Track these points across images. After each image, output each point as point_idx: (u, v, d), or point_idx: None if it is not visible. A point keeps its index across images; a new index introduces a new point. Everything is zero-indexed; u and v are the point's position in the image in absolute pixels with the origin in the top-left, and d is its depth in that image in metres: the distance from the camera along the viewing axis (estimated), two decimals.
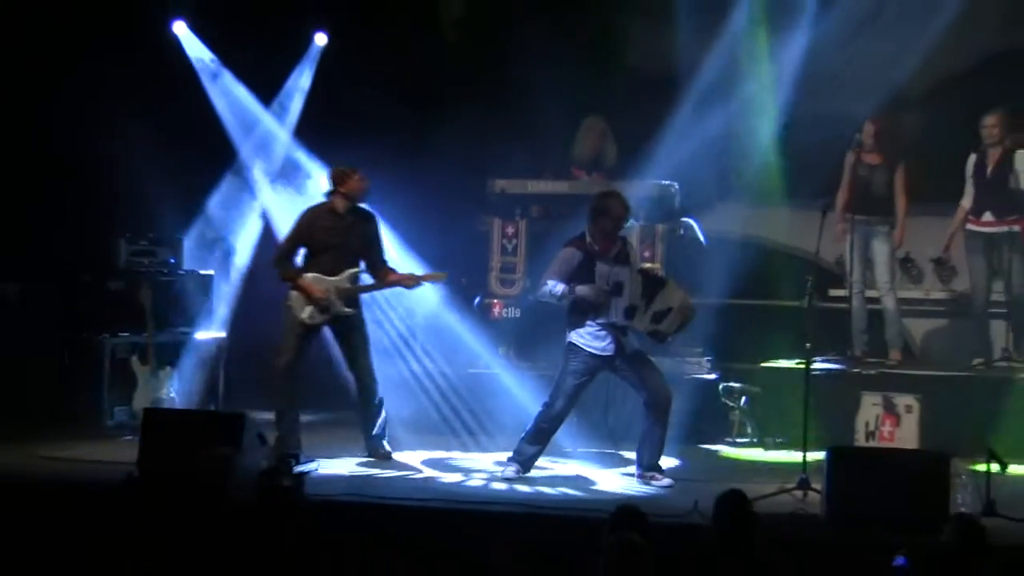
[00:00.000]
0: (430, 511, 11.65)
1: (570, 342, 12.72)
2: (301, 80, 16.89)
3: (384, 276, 13.56)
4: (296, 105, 16.87)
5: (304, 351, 13.55)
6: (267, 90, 16.78)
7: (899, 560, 8.35)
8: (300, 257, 13.51)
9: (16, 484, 12.07)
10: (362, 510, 11.47)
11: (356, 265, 13.49)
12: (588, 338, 12.64)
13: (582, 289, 12.50)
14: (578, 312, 12.64)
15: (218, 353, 15.50)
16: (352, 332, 13.56)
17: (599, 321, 12.58)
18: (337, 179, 13.53)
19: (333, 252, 13.43)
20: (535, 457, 12.94)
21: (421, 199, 15.44)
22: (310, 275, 13.38)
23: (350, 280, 13.44)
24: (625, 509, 8.74)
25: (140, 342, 14.80)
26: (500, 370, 15.23)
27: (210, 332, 15.57)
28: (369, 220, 13.62)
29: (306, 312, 13.39)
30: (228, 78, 16.50)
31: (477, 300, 15.89)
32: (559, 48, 16.46)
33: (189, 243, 16.06)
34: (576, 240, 12.72)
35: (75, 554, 9.11)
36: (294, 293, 13.43)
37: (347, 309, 13.43)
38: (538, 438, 12.86)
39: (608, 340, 12.61)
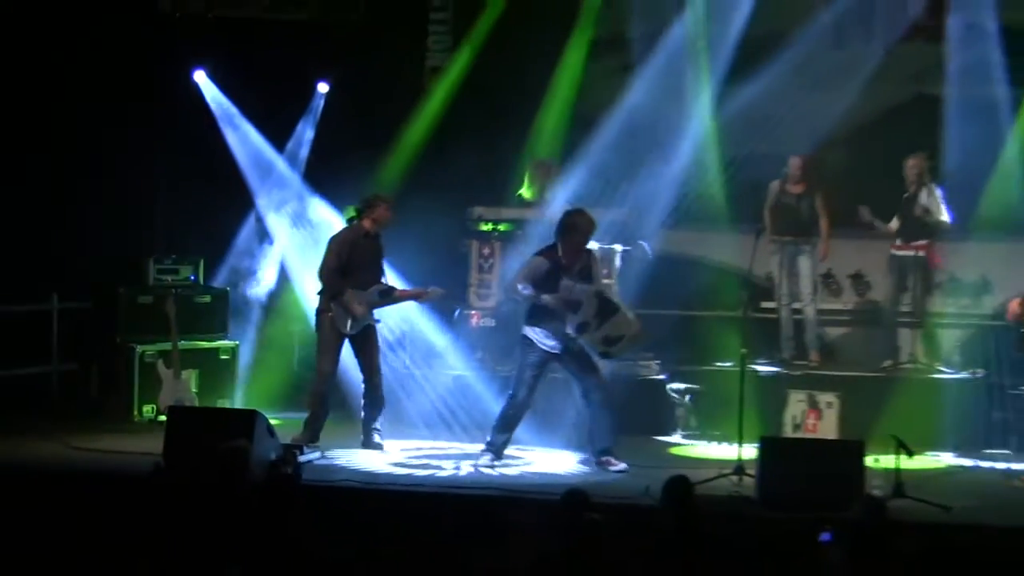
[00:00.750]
0: (417, 495, 11.69)
1: (525, 336, 12.78)
2: (308, 127, 16.89)
3: (396, 291, 13.66)
4: (304, 150, 16.85)
5: (337, 361, 13.62)
6: (278, 134, 16.73)
7: (825, 536, 8.41)
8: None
9: (53, 473, 12.13)
10: (358, 494, 11.50)
11: (380, 281, 13.59)
12: (541, 335, 12.69)
13: (545, 298, 12.52)
14: (537, 313, 12.68)
15: (233, 358, 15.49)
16: (369, 337, 13.60)
17: (553, 326, 12.68)
18: (369, 206, 13.62)
19: (365, 271, 13.51)
20: (505, 444, 12.97)
21: (409, 225, 15.45)
22: (349, 291, 13.45)
23: (379, 294, 13.53)
24: (573, 492, 8.83)
25: (165, 348, 14.80)
26: (476, 372, 15.28)
27: (226, 340, 15.55)
28: (380, 242, 13.70)
29: (348, 325, 13.48)
30: (244, 124, 16.49)
31: (457, 312, 15.93)
32: (523, 96, 16.58)
33: (225, 270, 16.12)
34: (548, 251, 12.74)
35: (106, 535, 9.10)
36: (336, 308, 13.47)
37: (375, 320, 13.58)
38: (506, 426, 12.89)
39: (557, 340, 12.68)
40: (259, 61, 16.32)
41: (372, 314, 13.57)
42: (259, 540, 8.39)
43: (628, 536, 8.24)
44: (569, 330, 12.61)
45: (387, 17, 17.09)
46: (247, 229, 16.39)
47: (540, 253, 12.81)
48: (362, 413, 13.76)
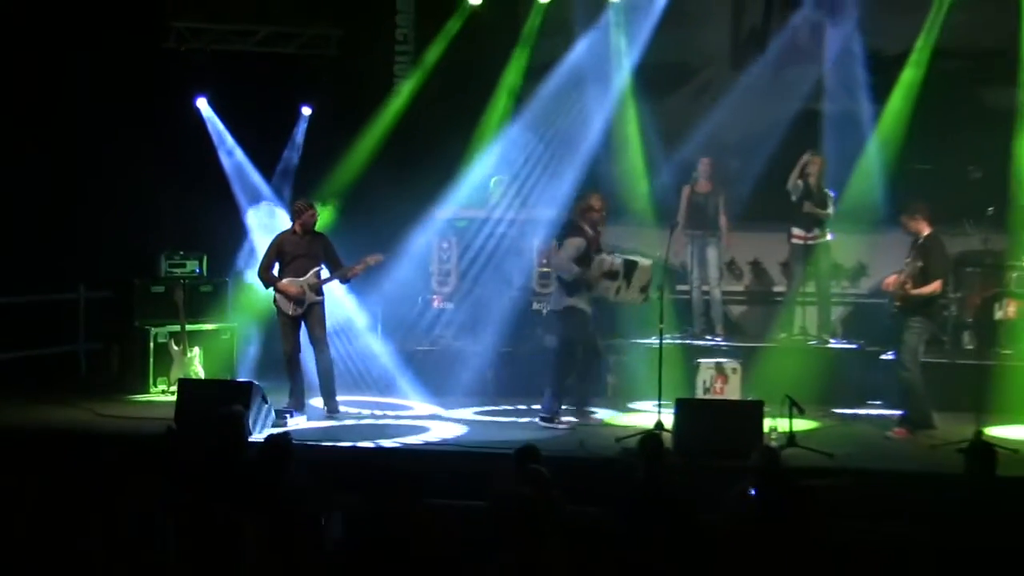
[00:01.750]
0: (382, 451, 11.73)
1: (574, 307, 12.63)
2: (294, 142, 16.86)
3: (341, 271, 13.41)
4: (293, 161, 16.82)
5: (298, 337, 13.42)
6: (270, 150, 16.73)
7: (752, 491, 8.41)
8: (275, 270, 13.40)
9: (81, 434, 12.20)
10: (331, 451, 11.58)
11: (318, 266, 13.34)
12: (585, 304, 12.61)
13: (591, 273, 12.54)
14: (581, 287, 12.57)
15: (232, 337, 15.45)
16: (314, 314, 13.34)
17: (591, 296, 12.64)
18: (295, 211, 13.47)
19: (299, 261, 13.31)
20: (585, 399, 13.02)
21: (382, 223, 15.48)
22: (285, 280, 13.31)
23: (315, 275, 13.28)
24: (526, 448, 8.87)
25: (175, 330, 14.76)
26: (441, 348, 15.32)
27: (227, 323, 15.51)
28: (320, 237, 13.46)
29: (291, 308, 13.34)
30: (235, 147, 16.49)
31: (421, 297, 15.96)
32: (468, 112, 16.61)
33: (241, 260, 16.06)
34: (576, 232, 12.64)
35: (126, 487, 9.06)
36: (278, 296, 13.37)
37: (317, 297, 13.34)
38: (569, 388, 12.87)
39: (593, 307, 12.69)
40: (253, 88, 16.30)
41: (314, 293, 13.30)
42: (260, 488, 8.38)
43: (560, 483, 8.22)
44: (610, 295, 12.55)
45: (360, 49, 17.07)
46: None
47: (571, 235, 12.66)
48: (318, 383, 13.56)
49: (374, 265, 13.61)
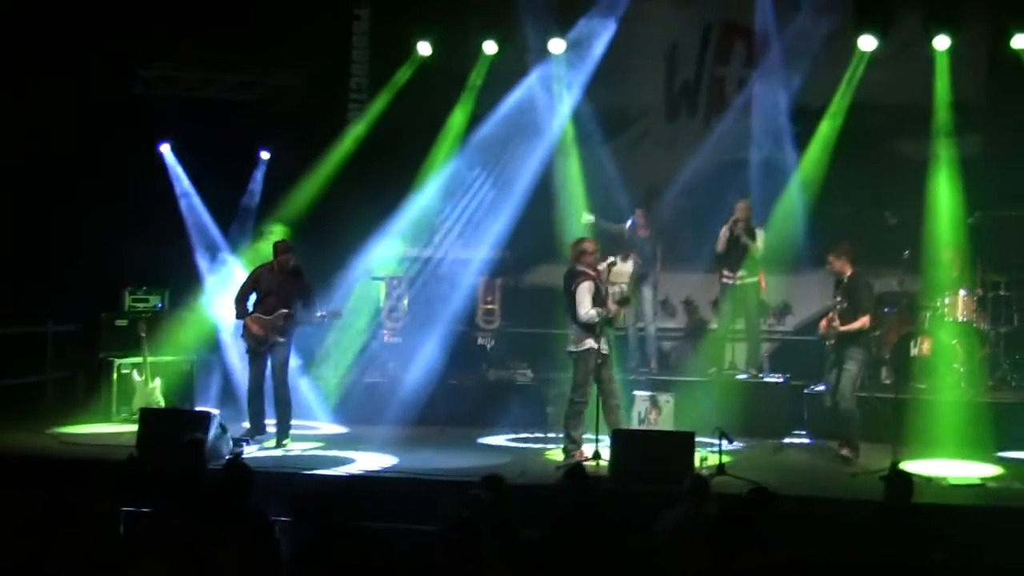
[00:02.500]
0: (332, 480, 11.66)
1: (585, 347, 12.30)
2: (253, 188, 16.85)
3: (306, 319, 13.32)
4: (254, 200, 16.80)
5: (262, 370, 13.27)
6: (230, 191, 16.69)
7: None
8: (252, 301, 13.35)
9: (45, 459, 12.11)
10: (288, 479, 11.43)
11: (288, 307, 13.19)
12: (600, 343, 12.29)
13: (610, 309, 12.42)
14: (591, 326, 12.29)
15: (191, 368, 15.34)
16: (275, 353, 13.22)
17: (598, 331, 12.28)
18: (274, 250, 13.43)
19: (270, 298, 13.23)
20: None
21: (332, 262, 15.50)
22: (252, 316, 13.23)
23: (281, 317, 13.17)
24: (491, 476, 8.89)
25: (138, 361, 14.66)
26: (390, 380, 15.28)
27: (186, 355, 15.42)
28: (297, 278, 13.35)
29: (252, 343, 13.25)
30: (192, 194, 16.50)
31: (373, 332, 15.93)
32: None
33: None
34: (585, 276, 12.38)
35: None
36: (244, 329, 13.31)
37: (280, 339, 13.20)
38: (580, 422, 12.43)
39: (604, 343, 12.38)
40: (215, 134, 16.26)
41: (277, 335, 13.17)
42: (224, 511, 8.33)
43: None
44: (627, 322, 12.46)
45: (319, 97, 17.13)
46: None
47: (583, 279, 12.40)
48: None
49: (331, 318, 13.65)
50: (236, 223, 16.60)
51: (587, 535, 8.01)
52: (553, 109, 16.73)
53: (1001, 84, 16.25)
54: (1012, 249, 15.13)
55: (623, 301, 12.40)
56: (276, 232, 14.94)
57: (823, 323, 12.76)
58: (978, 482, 11.55)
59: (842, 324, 12.45)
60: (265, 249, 14.09)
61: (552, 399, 14.63)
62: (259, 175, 16.82)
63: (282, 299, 13.22)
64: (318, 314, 13.36)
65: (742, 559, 6.70)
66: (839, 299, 12.61)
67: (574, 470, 8.94)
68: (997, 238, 15.19)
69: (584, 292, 12.36)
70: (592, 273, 12.47)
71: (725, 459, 11.59)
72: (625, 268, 12.62)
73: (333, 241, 15.68)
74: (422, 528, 8.06)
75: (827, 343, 12.76)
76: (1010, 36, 15.43)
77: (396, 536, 8.60)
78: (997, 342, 14.91)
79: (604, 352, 12.38)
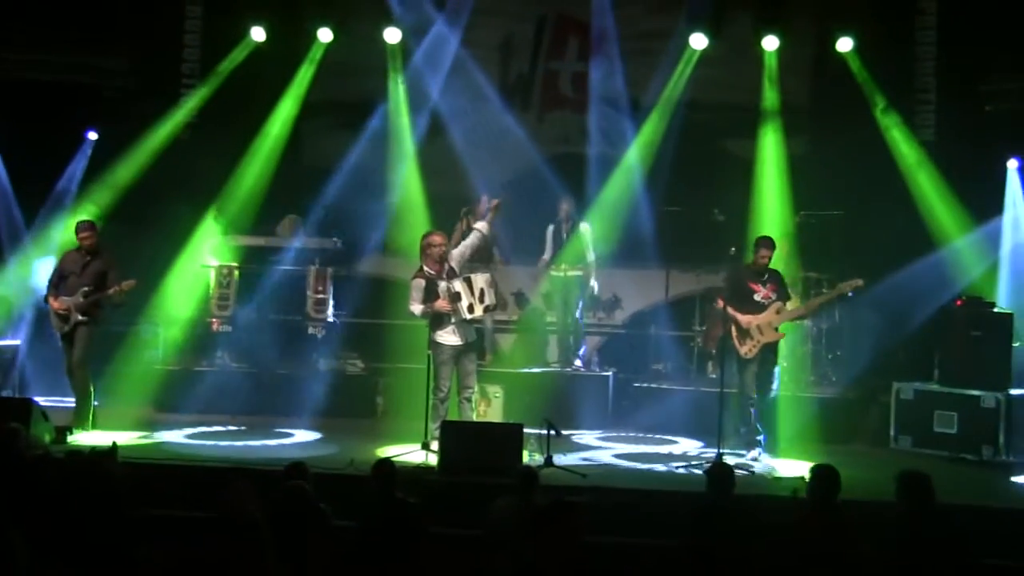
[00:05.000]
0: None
1: (435, 340, 12.49)
2: (78, 166, 16.63)
3: (98, 295, 13.06)
4: (74, 184, 16.53)
5: (70, 353, 13.17)
6: (53, 171, 16.48)
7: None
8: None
9: None
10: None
11: (89, 286, 13.06)
12: (446, 336, 12.52)
13: (436, 305, 12.42)
14: (437, 319, 12.49)
15: (13, 355, 15.12)
16: (77, 334, 13.08)
17: (453, 322, 12.53)
18: (76, 230, 13.35)
19: (72, 279, 13.16)
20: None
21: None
22: (55, 296, 13.16)
23: (82, 296, 13.04)
24: (295, 464, 8.98)
25: None
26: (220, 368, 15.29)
27: (7, 340, 15.20)
28: (101, 258, 13.24)
29: (56, 324, 13.18)
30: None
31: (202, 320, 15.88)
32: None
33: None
34: (418, 272, 12.54)
35: None
36: (50, 312, 13.25)
37: (82, 318, 13.08)
38: (437, 415, 12.45)
39: (458, 335, 12.53)
40: (43, 116, 16.09)
41: (79, 313, 13.04)
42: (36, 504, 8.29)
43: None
44: (467, 315, 12.51)
45: (151, 80, 17.08)
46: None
47: (414, 276, 12.57)
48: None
49: (127, 291, 13.27)
50: (47, 207, 16.36)
51: (393, 527, 8.23)
52: (388, 99, 16.84)
53: (826, 86, 16.82)
54: (833, 248, 15.63)
55: (455, 296, 12.53)
56: (85, 214, 14.81)
57: (747, 319, 13.01)
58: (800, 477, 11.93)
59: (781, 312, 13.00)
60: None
61: (381, 389, 14.76)
62: (82, 159, 16.61)
63: (83, 279, 13.14)
64: (111, 290, 13.13)
65: (566, 551, 6.93)
66: (773, 288, 13.12)
67: (381, 462, 9.08)
68: (820, 238, 15.69)
69: (413, 288, 12.60)
70: (428, 270, 12.63)
71: (551, 451, 11.88)
72: (482, 279, 12.70)
73: (159, 228, 15.56)
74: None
75: (748, 340, 13.02)
76: (835, 39, 16.01)
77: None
78: (819, 338, 15.44)
79: (457, 344, 12.56)
